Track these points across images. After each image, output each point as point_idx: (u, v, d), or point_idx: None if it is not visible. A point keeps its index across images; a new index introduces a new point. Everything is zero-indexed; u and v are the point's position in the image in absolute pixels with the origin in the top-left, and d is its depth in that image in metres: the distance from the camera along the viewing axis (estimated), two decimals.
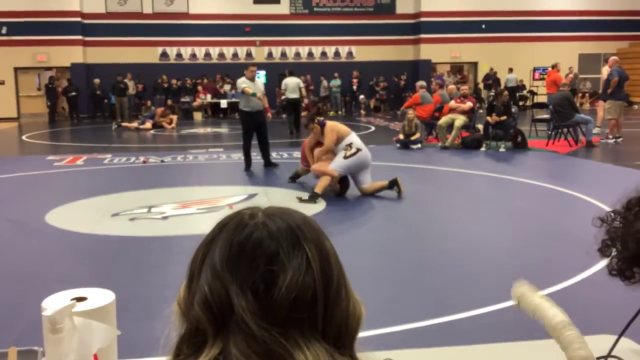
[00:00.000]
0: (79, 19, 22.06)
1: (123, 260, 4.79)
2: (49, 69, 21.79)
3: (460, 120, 11.74)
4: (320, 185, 7.04)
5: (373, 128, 16.93)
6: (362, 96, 22.55)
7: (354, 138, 7.38)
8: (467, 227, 5.83)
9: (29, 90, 22.19)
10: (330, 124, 7.44)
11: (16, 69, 21.85)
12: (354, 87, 22.83)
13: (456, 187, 8.22)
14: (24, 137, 15.08)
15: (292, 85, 14.85)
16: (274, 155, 10.16)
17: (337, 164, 7.18)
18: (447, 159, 10.45)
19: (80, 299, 1.49)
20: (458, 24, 23.78)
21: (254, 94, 9.09)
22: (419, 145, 11.82)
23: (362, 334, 0.80)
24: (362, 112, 22.08)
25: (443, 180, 8.82)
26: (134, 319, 3.23)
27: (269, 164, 9.61)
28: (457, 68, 24.68)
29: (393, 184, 7.25)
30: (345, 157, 7.17)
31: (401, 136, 12.00)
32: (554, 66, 16.02)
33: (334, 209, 6.76)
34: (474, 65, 24.64)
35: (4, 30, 21.40)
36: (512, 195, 7.53)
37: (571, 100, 11.67)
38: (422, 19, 23.81)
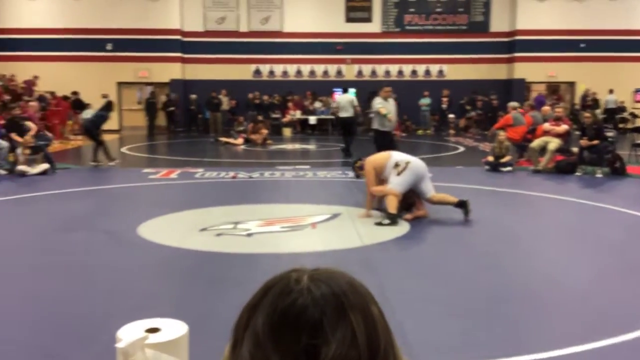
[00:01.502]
0: (179, 37, 23.06)
1: (205, 276, 4.93)
2: (149, 84, 22.87)
3: (554, 143, 11.32)
4: (391, 205, 6.96)
5: (462, 148, 16.62)
6: (451, 115, 22.21)
7: (397, 157, 7.34)
8: (552, 258, 5.60)
9: (131, 104, 23.36)
10: (366, 164, 7.47)
11: (119, 84, 23.08)
12: (444, 106, 22.54)
13: (545, 214, 7.92)
14: (123, 150, 15.88)
15: (344, 102, 14.21)
16: (337, 174, 10.17)
17: (394, 184, 7.11)
18: (539, 184, 10.10)
19: (154, 330, 1.55)
20: (555, 43, 23.01)
21: (385, 115, 9.30)
22: (510, 168, 11.48)
23: None
24: (451, 131, 21.74)
25: (532, 206, 8.53)
26: (209, 337, 3.31)
27: None
28: (552, 88, 23.85)
29: (462, 204, 7.13)
30: (399, 174, 7.12)
31: (490, 158, 11.71)
32: None
33: (415, 233, 6.67)
34: (571, 85, 23.73)
35: (109, 47, 22.67)
36: (605, 224, 7.16)
37: None
38: (517, 37, 23.21)
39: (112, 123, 22.26)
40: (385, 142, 9.53)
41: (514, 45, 23.37)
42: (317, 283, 0.76)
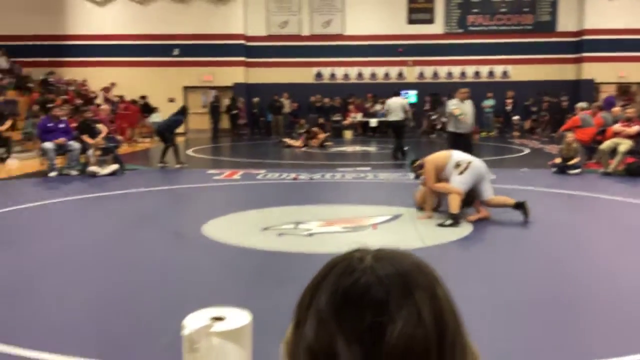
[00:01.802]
0: (242, 42, 23.46)
1: (268, 275, 5.00)
2: (214, 88, 23.34)
3: (625, 145, 10.91)
4: (454, 205, 6.87)
5: (527, 150, 16.23)
6: (516, 117, 21.72)
7: (458, 157, 7.25)
8: (626, 265, 5.39)
9: (196, 107, 23.92)
10: (426, 163, 7.36)
11: (185, 88, 23.66)
12: (508, 108, 22.07)
13: (615, 218, 7.63)
14: (189, 152, 16.25)
15: (394, 106, 13.91)
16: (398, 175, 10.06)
17: (456, 182, 7.02)
18: (609, 186, 9.75)
19: (219, 319, 1.58)
20: (626, 42, 22.17)
21: (457, 116, 9.22)
22: (578, 171, 11.13)
23: None
24: (516, 133, 21.25)
25: (601, 209, 8.24)
26: (271, 336, 3.35)
27: None
28: (623, 89, 22.97)
29: (520, 205, 7.00)
30: (461, 173, 7.03)
31: (558, 160, 11.38)
32: None
33: (480, 234, 6.56)
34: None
35: (176, 52, 23.28)
36: None
37: None
38: (585, 37, 22.50)
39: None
40: (459, 144, 9.35)
41: (582, 45, 22.67)
42: (381, 262, 0.75)
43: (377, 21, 23.36)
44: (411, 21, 23.49)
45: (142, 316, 4.04)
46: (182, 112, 13.40)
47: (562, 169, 11.18)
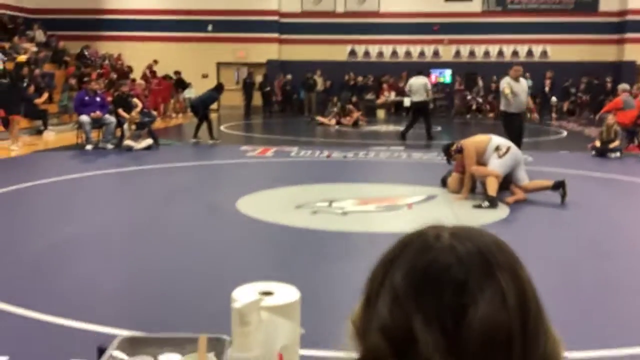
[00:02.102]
0: (276, 18, 23.33)
1: (304, 252, 4.97)
2: (247, 64, 23.30)
3: None
4: (492, 187, 6.76)
5: (565, 133, 15.91)
6: (554, 98, 21.25)
7: (497, 140, 7.20)
8: None
9: (229, 84, 23.86)
10: (466, 146, 7.23)
11: (218, 64, 23.66)
12: (546, 89, 21.59)
13: None
14: (222, 128, 16.30)
15: (416, 86, 13.56)
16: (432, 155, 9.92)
17: (496, 165, 6.95)
18: None
19: (267, 294, 1.55)
20: None
21: (507, 95, 8.96)
22: (618, 154, 10.84)
23: None
24: (554, 115, 20.82)
25: None
26: (312, 311, 3.32)
27: None
28: None
29: (559, 185, 6.91)
30: (500, 157, 6.97)
31: (598, 143, 11.10)
32: None
33: (517, 217, 6.44)
34: None
35: (209, 27, 23.26)
36: None
37: None
38: (629, 17, 21.83)
39: None
40: (512, 124, 9.14)
41: (624, 26, 22.00)
42: (460, 240, 0.71)
43: None
44: None
45: (183, 291, 4.05)
46: (218, 89, 13.40)
47: (602, 152, 10.91)
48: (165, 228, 5.74)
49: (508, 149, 7.06)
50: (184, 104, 20.63)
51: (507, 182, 7.11)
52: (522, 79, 9.31)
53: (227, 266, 4.59)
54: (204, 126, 12.60)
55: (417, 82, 13.64)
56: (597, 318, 3.70)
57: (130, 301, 3.91)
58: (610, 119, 11.27)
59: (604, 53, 22.31)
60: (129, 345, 1.54)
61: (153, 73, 20.41)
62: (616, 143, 10.96)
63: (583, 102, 21.55)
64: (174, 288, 4.09)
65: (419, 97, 13.57)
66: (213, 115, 14.69)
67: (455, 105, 22.02)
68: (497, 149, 7.06)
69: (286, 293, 1.58)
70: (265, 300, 1.50)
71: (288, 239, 5.42)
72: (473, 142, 7.29)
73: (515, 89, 8.97)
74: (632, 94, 12.60)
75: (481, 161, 7.12)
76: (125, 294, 4.05)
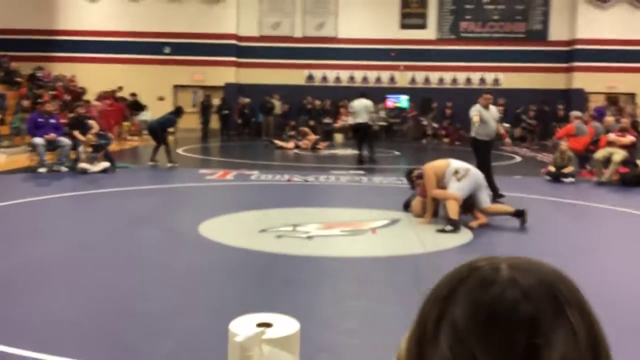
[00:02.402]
0: (234, 42, 23.32)
1: (275, 278, 4.89)
2: (204, 87, 23.16)
3: (619, 154, 10.94)
4: (453, 211, 6.84)
5: (519, 158, 16.27)
6: (506, 125, 21.74)
7: (455, 164, 7.27)
8: (623, 271, 5.36)
9: (185, 106, 23.59)
10: (425, 171, 7.35)
11: (175, 87, 23.46)
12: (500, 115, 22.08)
13: (614, 227, 7.63)
14: (179, 151, 16.09)
15: (358, 108, 13.48)
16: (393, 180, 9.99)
17: (455, 188, 7.03)
18: (604, 196, 9.77)
19: (266, 325, 1.49)
20: (616, 53, 22.34)
21: (475, 123, 9.04)
22: (572, 179, 11.14)
23: None
24: (507, 140, 21.25)
25: (598, 218, 8.24)
26: None
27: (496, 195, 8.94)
28: (612, 99, 23.14)
29: (520, 214, 7.04)
30: (459, 180, 7.04)
31: (552, 168, 11.39)
32: None
33: (479, 241, 6.50)
34: (632, 96, 22.98)
35: (167, 50, 23.08)
36: None
37: None
38: (577, 47, 22.64)
39: None
40: (481, 151, 9.23)
41: (573, 55, 22.80)
42: (521, 272, 0.67)
43: (370, 25, 23.33)
44: (404, 26, 23.49)
45: (146, 317, 3.92)
46: (177, 112, 13.28)
47: (556, 177, 11.19)
48: (126, 254, 5.58)
49: (467, 172, 7.13)
50: (140, 126, 20.33)
51: (470, 205, 7.20)
52: (492, 107, 9.43)
53: (194, 294, 4.47)
54: (162, 149, 12.42)
55: (359, 104, 13.54)
56: None
57: (91, 331, 3.75)
58: (564, 145, 11.59)
59: (554, 81, 23.03)
60: None
61: (104, 93, 19.99)
62: (570, 168, 11.26)
63: (534, 128, 22.13)
64: (137, 317, 3.95)
65: (360, 119, 13.51)
66: (170, 139, 14.49)
67: (407, 129, 22.35)
68: (456, 172, 7.14)
69: (285, 324, 1.52)
70: (266, 332, 1.44)
71: (255, 264, 5.33)
72: (432, 167, 7.38)
73: (485, 117, 9.06)
74: (584, 121, 13.00)
75: (441, 185, 7.20)
76: (84, 324, 3.89)
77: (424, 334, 0.70)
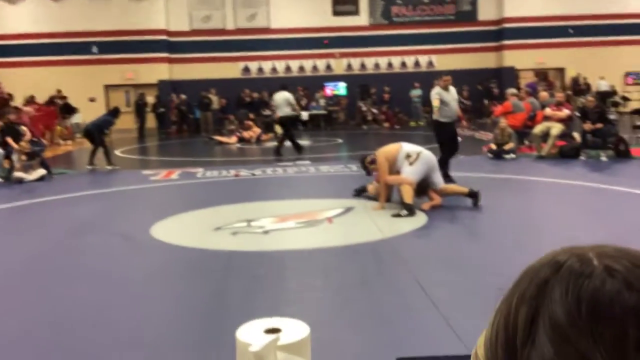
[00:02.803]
0: (165, 37, 22.79)
1: (236, 276, 4.77)
2: (137, 86, 22.57)
3: (556, 128, 11.27)
4: (407, 195, 6.88)
5: (458, 138, 16.53)
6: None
7: (407, 148, 7.32)
8: (574, 240, 5.50)
9: (119, 107, 23.02)
10: (377, 156, 7.39)
11: (106, 87, 22.76)
12: None
13: (560, 200, 7.85)
14: (117, 152, 15.61)
15: (279, 100, 13.32)
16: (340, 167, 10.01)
17: (407, 173, 7.08)
18: (545, 169, 10.04)
19: (275, 330, 1.41)
20: (543, 29, 23.05)
21: (436, 107, 9.00)
22: (513, 155, 11.42)
23: None
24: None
25: (542, 192, 8.46)
26: None
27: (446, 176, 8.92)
28: (541, 75, 23.89)
29: (474, 194, 7.14)
30: (411, 164, 7.09)
31: (493, 146, 11.64)
32: None
33: (434, 224, 6.56)
34: (560, 71, 23.78)
35: (94, 49, 22.36)
36: (624, 207, 7.10)
37: None
38: (505, 25, 23.23)
39: None
40: (444, 133, 9.22)
41: (502, 33, 23.38)
42: (614, 260, 0.63)
43: (302, 14, 23.24)
44: (336, 13, 23.52)
45: (105, 327, 3.74)
46: (114, 113, 12.85)
47: (498, 154, 11.44)
48: (77, 265, 5.32)
49: (418, 155, 7.16)
50: (72, 130, 19.63)
51: (425, 187, 7.24)
52: (451, 88, 9.40)
53: (157, 300, 4.31)
54: (100, 152, 12.01)
55: (279, 96, 13.35)
56: None
57: (50, 345, 3.55)
58: (503, 122, 11.86)
59: (486, 60, 23.57)
60: None
61: (32, 98, 19.14)
62: (510, 145, 11.54)
63: (468, 108, 22.58)
64: (100, 328, 3.77)
65: (282, 112, 13.30)
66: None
67: (340, 117, 22.36)
68: (408, 156, 7.17)
69: (294, 328, 1.44)
70: (280, 339, 1.35)
71: (214, 263, 5.19)
72: (384, 152, 7.39)
73: (446, 98, 9.04)
74: (520, 98, 13.33)
75: (394, 169, 7.22)
76: (41, 339, 3.68)
77: (513, 337, 0.65)
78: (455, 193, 7.34)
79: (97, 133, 12.13)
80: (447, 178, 8.86)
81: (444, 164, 8.84)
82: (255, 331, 1.43)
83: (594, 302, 0.60)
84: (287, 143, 13.74)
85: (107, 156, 11.99)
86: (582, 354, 0.59)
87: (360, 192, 8.00)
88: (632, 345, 0.57)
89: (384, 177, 7.22)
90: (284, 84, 14.59)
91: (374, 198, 7.63)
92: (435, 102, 9.01)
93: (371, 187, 7.78)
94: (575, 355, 0.59)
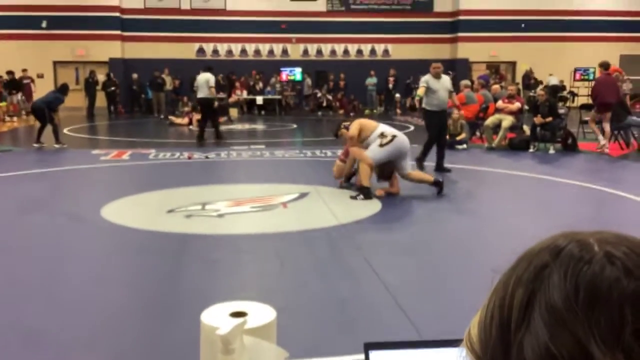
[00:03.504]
0: (117, 14, 22.22)
1: (191, 260, 4.72)
2: (88, 63, 21.96)
3: (507, 120, 11.51)
4: (364, 177, 6.93)
5: (412, 127, 16.74)
6: (397, 95, 22.34)
7: (384, 128, 7.30)
8: (523, 230, 5.65)
9: (68, 84, 22.37)
10: (354, 122, 7.41)
11: (55, 63, 22.08)
12: (390, 86, 22.63)
13: (507, 189, 8.03)
14: (65, 131, 15.17)
15: (200, 82, 12.67)
16: (295, 153, 10.03)
17: (373, 153, 7.05)
18: (495, 160, 10.24)
19: (240, 314, 1.40)
20: (497, 23, 23.43)
21: (417, 97, 8.93)
22: (465, 146, 11.61)
23: None
24: (398, 111, 21.88)
25: (492, 182, 8.64)
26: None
27: (441, 168, 8.97)
28: (494, 67, 24.32)
29: (438, 183, 7.22)
30: (381, 145, 7.04)
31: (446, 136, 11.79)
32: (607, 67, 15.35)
33: (390, 210, 6.62)
34: (512, 65, 24.26)
35: (43, 24, 21.63)
36: (571, 198, 7.33)
37: (624, 103, 11.37)
38: (460, 17, 23.51)
39: None
40: (431, 122, 9.09)
41: (457, 25, 23.66)
42: (614, 247, 0.63)
43: None
44: None
45: (58, 310, 3.65)
46: (63, 90, 12.47)
47: (450, 145, 11.59)
48: (23, 245, 5.17)
49: (392, 139, 7.08)
50: (19, 106, 19.01)
51: (390, 173, 7.23)
52: (444, 76, 9.22)
53: (108, 282, 4.23)
54: (48, 130, 11.66)
55: (202, 77, 12.70)
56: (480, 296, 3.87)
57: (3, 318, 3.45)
58: (456, 113, 12.02)
59: (441, 51, 23.81)
60: None
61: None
62: (462, 136, 11.72)
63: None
64: (52, 307, 3.68)
65: (201, 93, 12.67)
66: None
67: (286, 103, 22.21)
68: (382, 135, 7.11)
69: (260, 312, 1.43)
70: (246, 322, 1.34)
71: (168, 246, 5.12)
72: (362, 121, 7.41)
73: (434, 86, 8.88)
74: (473, 89, 13.53)
75: (365, 144, 7.17)
76: None
77: (508, 319, 0.65)
78: (421, 180, 7.33)
79: (47, 110, 11.77)
80: (420, 164, 8.86)
81: (425, 151, 8.90)
82: (220, 314, 1.41)
83: (592, 288, 0.60)
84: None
85: (55, 134, 11.66)
86: (577, 339, 0.59)
87: (349, 178, 7.86)
88: (628, 332, 0.58)
89: (352, 141, 7.19)
90: (209, 65, 14.05)
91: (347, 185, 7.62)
92: (420, 90, 8.96)
93: (335, 169, 7.77)
94: (571, 340, 0.59)
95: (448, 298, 3.96)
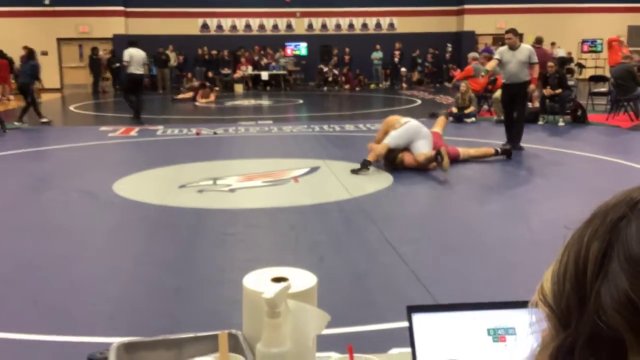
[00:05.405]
0: None
1: (205, 233, 4.74)
2: (92, 39, 21.83)
3: None
4: (374, 153, 7.08)
5: (419, 101, 16.65)
6: (403, 69, 22.17)
7: (405, 119, 7.60)
8: (536, 200, 5.65)
9: (72, 61, 22.32)
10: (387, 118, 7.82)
11: (59, 40, 21.95)
12: (396, 60, 22.45)
13: (518, 163, 8.01)
14: (71, 108, 15.18)
15: (138, 57, 12.15)
16: (303, 128, 9.98)
17: (388, 137, 7.30)
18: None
19: (281, 279, 1.41)
20: None
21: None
22: (473, 119, 11.55)
23: None
24: (404, 85, 21.74)
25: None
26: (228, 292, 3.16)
27: (514, 147, 8.45)
28: (501, 40, 24.05)
29: (437, 153, 7.06)
30: (395, 129, 7.38)
31: (454, 109, 11.74)
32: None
33: (400, 184, 6.61)
34: (520, 37, 23.98)
35: (47, 1, 21.45)
36: (580, 171, 7.31)
37: (633, 74, 11.26)
38: None
39: (52, 81, 21.38)
40: (502, 95, 8.97)
41: None
42: None
43: None
44: None
45: (76, 286, 3.68)
46: (31, 55, 12.45)
47: (459, 118, 11.56)
48: (39, 220, 5.20)
49: (405, 123, 7.39)
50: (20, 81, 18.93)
51: (392, 157, 7.22)
52: (523, 46, 8.79)
53: (123, 257, 4.25)
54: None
55: (138, 53, 12.26)
56: (500, 272, 3.89)
57: (18, 300, 3.47)
58: (464, 86, 11.94)
59: (446, 24, 23.58)
60: (125, 352, 1.34)
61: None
62: (471, 108, 11.66)
63: (430, 72, 22.70)
64: (68, 284, 3.70)
65: (138, 70, 12.26)
66: (55, 96, 13.57)
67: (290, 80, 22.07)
68: (398, 122, 7.46)
69: (302, 277, 1.44)
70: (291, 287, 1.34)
71: (182, 221, 5.14)
72: (393, 118, 7.71)
73: (506, 58, 8.53)
74: (480, 62, 13.42)
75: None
76: (9, 293, 3.60)
77: (583, 270, 0.65)
78: (426, 159, 7.24)
79: (32, 83, 11.90)
80: (514, 145, 8.46)
81: (506, 130, 8.74)
82: (261, 280, 1.42)
83: None
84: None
85: (36, 110, 11.76)
86: None
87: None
88: None
89: (378, 136, 7.63)
90: (134, 40, 13.60)
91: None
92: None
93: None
94: None
95: (467, 271, 3.97)
